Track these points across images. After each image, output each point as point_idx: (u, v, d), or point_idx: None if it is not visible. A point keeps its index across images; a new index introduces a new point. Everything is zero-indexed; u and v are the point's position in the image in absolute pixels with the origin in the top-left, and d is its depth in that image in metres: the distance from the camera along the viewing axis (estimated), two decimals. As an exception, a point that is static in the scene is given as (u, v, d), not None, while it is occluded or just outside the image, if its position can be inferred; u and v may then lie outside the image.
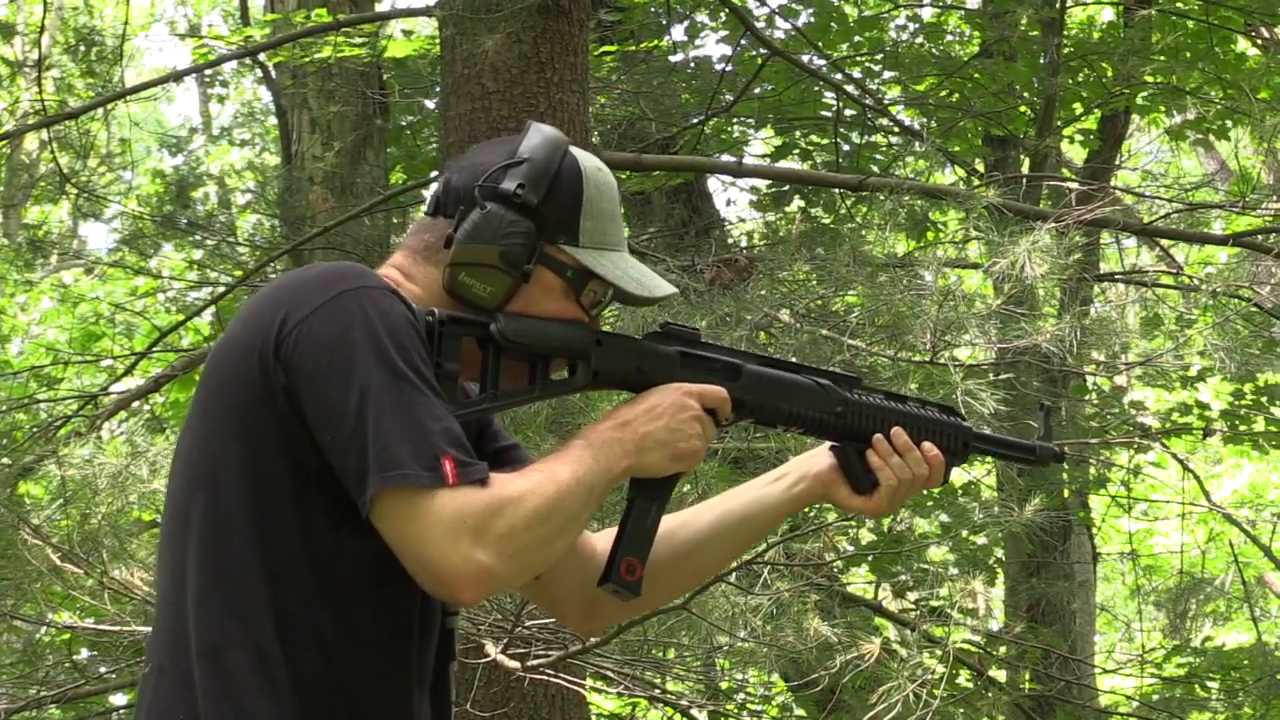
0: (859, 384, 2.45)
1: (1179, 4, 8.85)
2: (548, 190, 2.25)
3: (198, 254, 8.74)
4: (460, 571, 2.01)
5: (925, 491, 7.01)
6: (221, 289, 7.46)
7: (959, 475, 8.01)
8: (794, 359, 2.59)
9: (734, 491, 2.51)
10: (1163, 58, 8.64)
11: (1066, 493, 8.48)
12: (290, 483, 2.09)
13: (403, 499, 2.02)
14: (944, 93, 8.86)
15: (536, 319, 2.25)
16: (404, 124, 9.19)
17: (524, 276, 2.23)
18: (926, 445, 2.43)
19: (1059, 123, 8.79)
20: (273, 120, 13.07)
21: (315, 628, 2.09)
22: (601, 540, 2.40)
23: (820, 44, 8.55)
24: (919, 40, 9.03)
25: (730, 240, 8.57)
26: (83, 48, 12.26)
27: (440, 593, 2.07)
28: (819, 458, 2.45)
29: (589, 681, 5.74)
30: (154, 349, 7.95)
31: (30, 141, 13.16)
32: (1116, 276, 8.37)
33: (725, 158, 8.68)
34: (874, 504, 2.42)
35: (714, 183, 9.26)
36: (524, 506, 2.06)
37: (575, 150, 2.31)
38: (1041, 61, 8.62)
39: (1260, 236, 6.63)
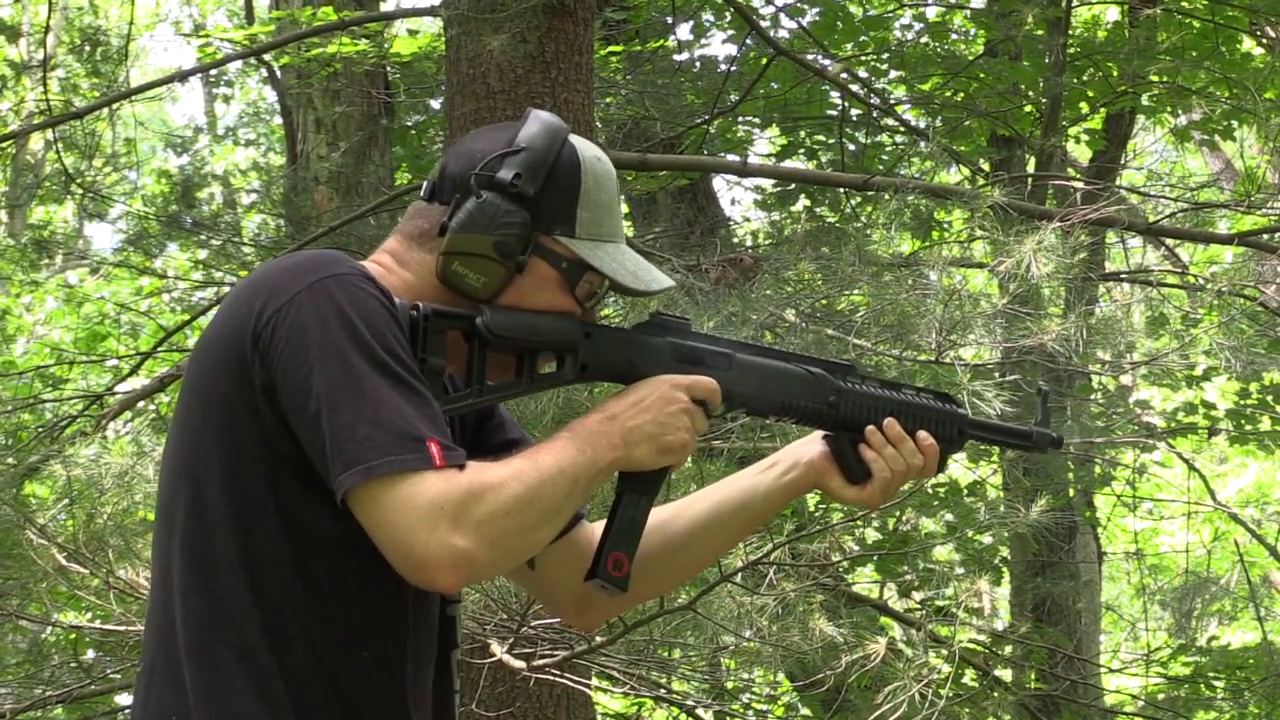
0: (853, 372, 2.41)
1: (1184, 3, 8.85)
2: (545, 180, 2.21)
3: (203, 254, 8.75)
4: (438, 557, 1.97)
5: (930, 491, 7.06)
6: (226, 289, 7.46)
7: (965, 475, 8.00)
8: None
9: (726, 481, 2.47)
10: (1168, 57, 8.63)
11: (1072, 492, 8.48)
12: (268, 473, 2.06)
13: (382, 485, 1.98)
14: (949, 92, 8.87)
15: (523, 312, 2.21)
16: (409, 124, 9.19)
17: (518, 268, 2.20)
18: (921, 435, 2.39)
19: (1064, 122, 8.78)
20: (278, 120, 13.08)
21: (301, 622, 2.06)
22: (598, 533, 2.36)
23: (825, 43, 8.55)
24: (924, 40, 9.03)
25: (735, 240, 8.57)
26: (87, 48, 12.26)
27: (418, 579, 2.01)
28: (811, 445, 2.42)
29: (594, 681, 5.73)
30: (159, 349, 7.96)
31: (35, 141, 13.16)
32: (1122, 276, 8.37)
33: (730, 157, 8.68)
34: (867, 495, 2.39)
35: (719, 182, 9.26)
36: (504, 492, 2.02)
37: (575, 139, 2.27)
38: (1047, 61, 8.62)
39: (1265, 236, 6.63)
